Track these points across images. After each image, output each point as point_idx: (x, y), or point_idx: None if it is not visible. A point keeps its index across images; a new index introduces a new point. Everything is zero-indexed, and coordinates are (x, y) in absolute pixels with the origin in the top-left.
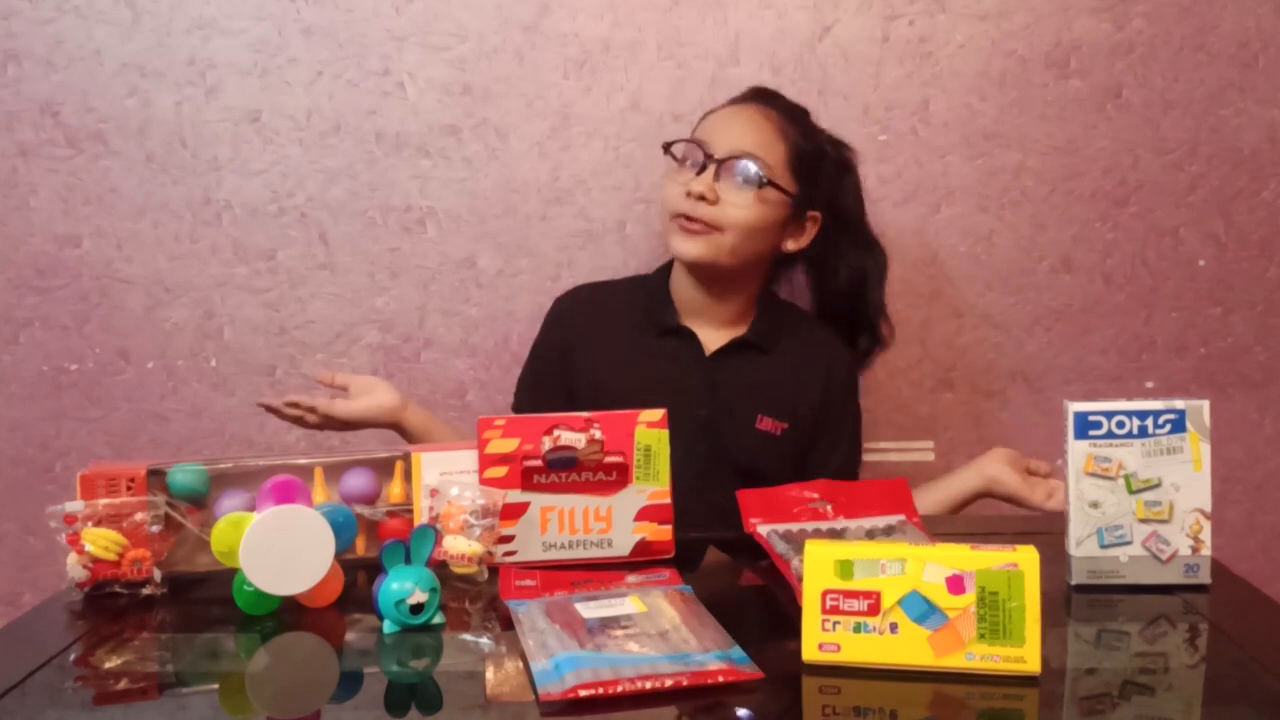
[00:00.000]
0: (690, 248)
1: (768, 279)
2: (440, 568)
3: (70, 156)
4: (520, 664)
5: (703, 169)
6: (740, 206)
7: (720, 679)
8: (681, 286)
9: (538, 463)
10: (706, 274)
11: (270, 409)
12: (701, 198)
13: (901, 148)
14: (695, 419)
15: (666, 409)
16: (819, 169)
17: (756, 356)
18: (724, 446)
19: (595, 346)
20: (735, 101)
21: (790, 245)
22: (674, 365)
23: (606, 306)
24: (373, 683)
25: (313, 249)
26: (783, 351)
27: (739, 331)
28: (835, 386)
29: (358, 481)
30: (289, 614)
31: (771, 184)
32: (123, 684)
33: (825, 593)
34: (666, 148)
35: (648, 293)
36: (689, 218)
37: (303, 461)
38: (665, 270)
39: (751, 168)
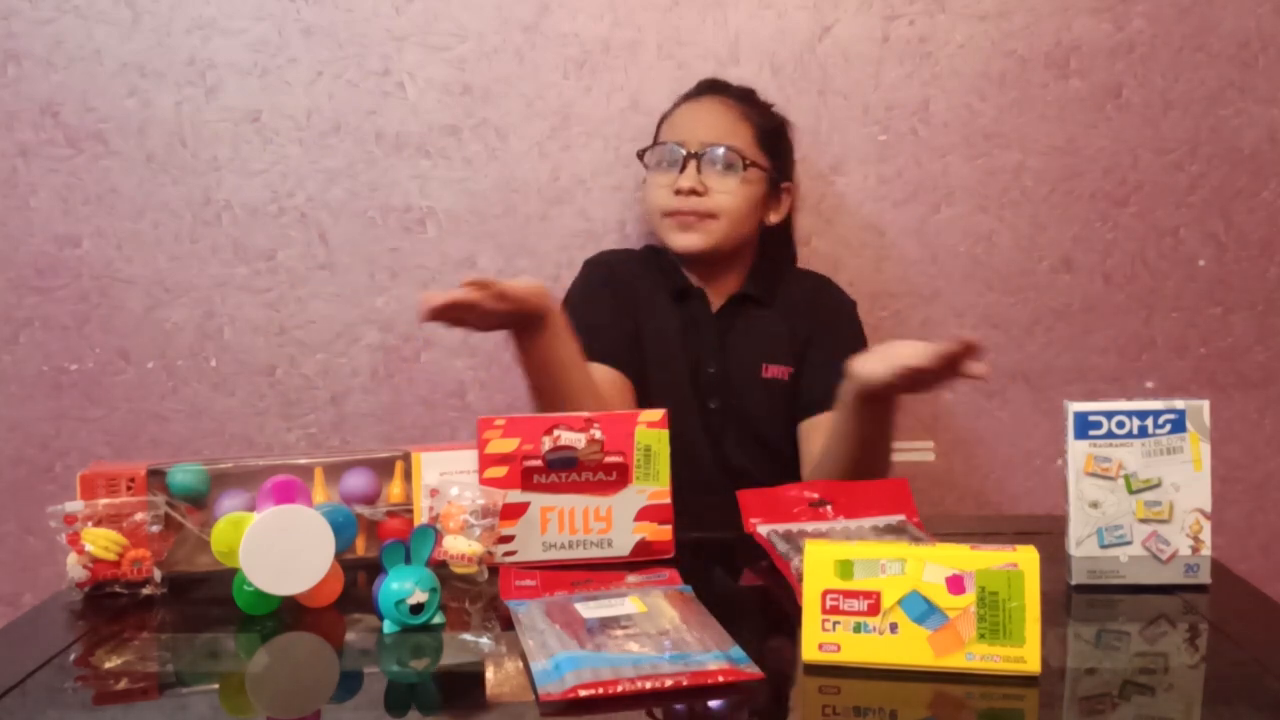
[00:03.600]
0: (688, 240)
1: (756, 251)
2: (440, 568)
3: (70, 156)
4: (520, 664)
5: (684, 166)
6: (727, 192)
7: (720, 679)
8: (683, 265)
9: (538, 463)
10: (704, 260)
11: (437, 309)
12: (692, 191)
13: (901, 148)
14: (706, 375)
15: (679, 376)
16: (782, 141)
17: (757, 309)
18: (734, 398)
19: (638, 303)
20: (688, 98)
21: (772, 218)
22: (688, 324)
23: (630, 270)
24: (373, 683)
25: (313, 249)
26: (780, 304)
27: (739, 286)
28: (821, 320)
29: (358, 481)
30: (289, 614)
31: (751, 164)
32: (123, 684)
33: (825, 593)
34: (640, 154)
35: (661, 260)
36: (681, 212)
37: (303, 461)
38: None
39: (731, 156)
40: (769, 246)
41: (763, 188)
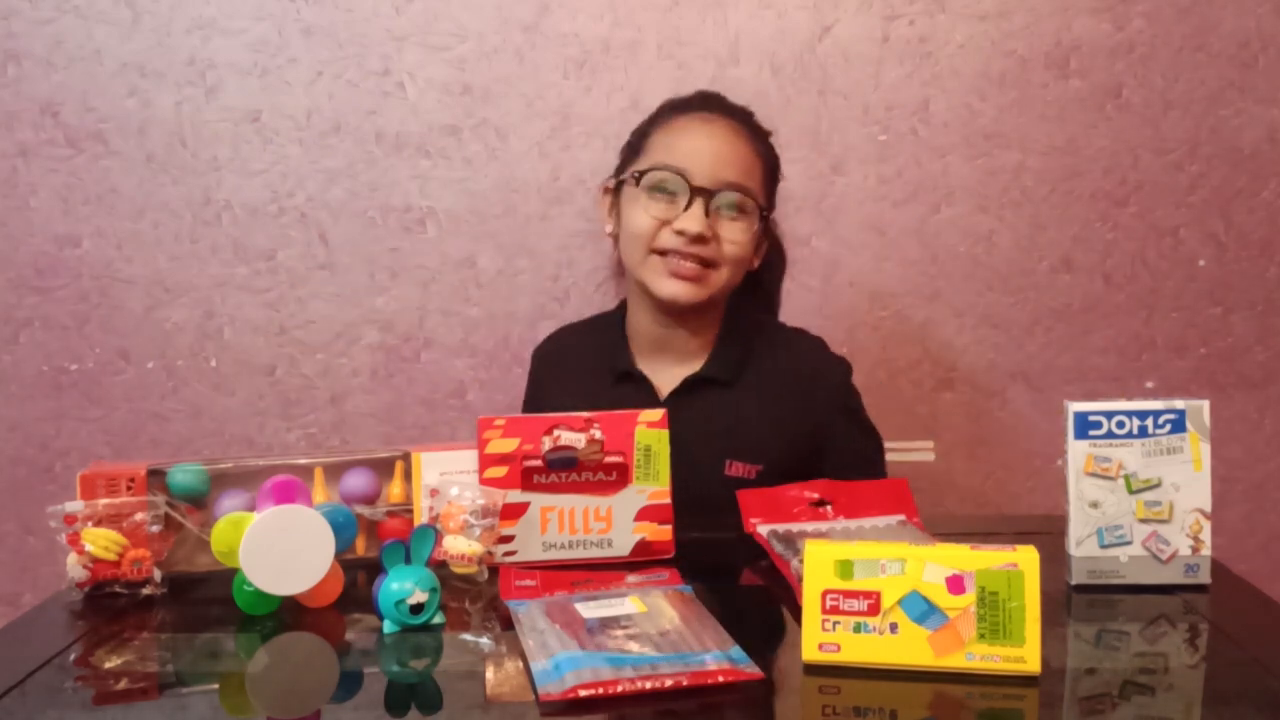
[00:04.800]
0: (683, 291)
1: (724, 314)
2: (440, 568)
3: (70, 156)
4: (520, 664)
5: (690, 203)
6: (736, 242)
7: (720, 679)
8: (641, 322)
9: (538, 463)
10: (686, 311)
11: None
12: (699, 238)
13: (901, 148)
14: None
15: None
16: (778, 176)
17: (718, 393)
18: (689, 497)
19: (559, 398)
20: (694, 113)
21: (756, 261)
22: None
23: (572, 354)
24: (373, 683)
25: (313, 249)
26: (748, 383)
27: (695, 366)
28: (821, 406)
29: (358, 481)
30: (289, 614)
31: (764, 215)
32: (123, 684)
33: (825, 593)
34: (638, 177)
35: (605, 336)
36: (681, 257)
37: (303, 461)
38: (623, 307)
39: (745, 202)
40: (738, 304)
41: (761, 230)
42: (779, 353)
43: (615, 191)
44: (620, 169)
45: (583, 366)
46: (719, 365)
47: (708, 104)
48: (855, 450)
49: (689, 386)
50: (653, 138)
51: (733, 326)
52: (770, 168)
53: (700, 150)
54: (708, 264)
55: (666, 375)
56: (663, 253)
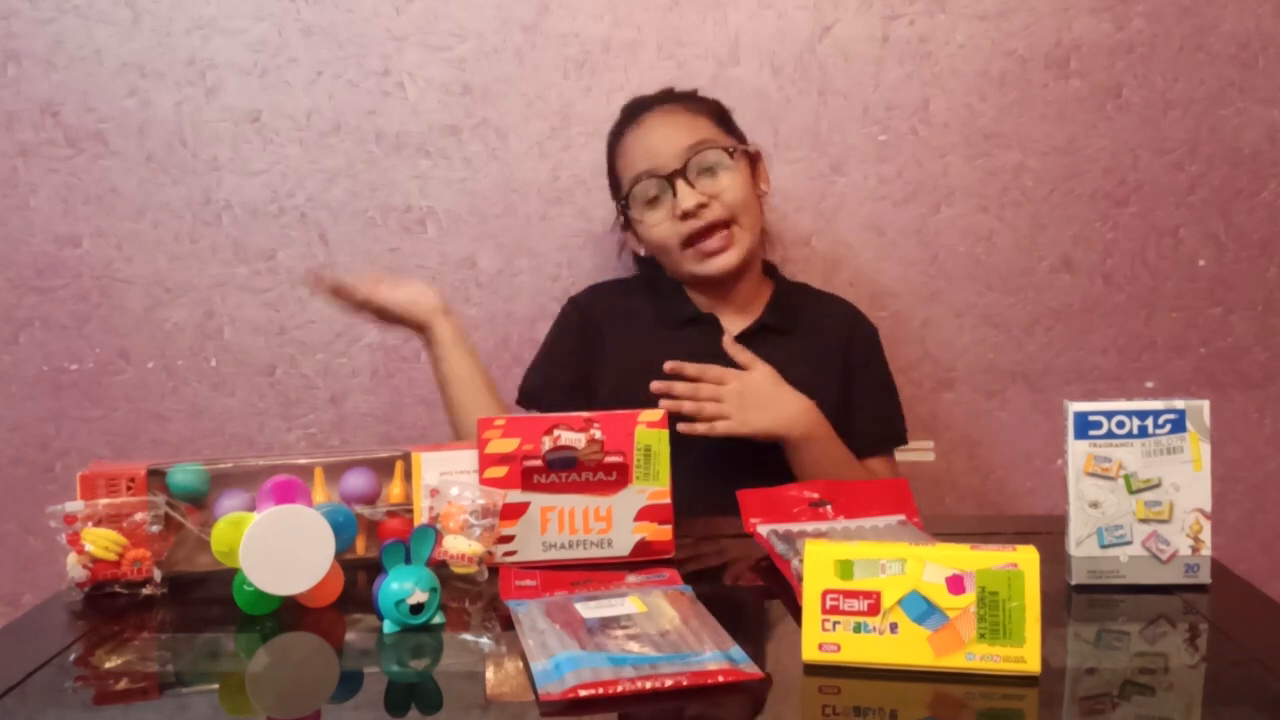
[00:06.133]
0: (722, 262)
1: (771, 273)
2: (440, 568)
3: (70, 156)
4: (520, 664)
5: (674, 189)
6: (731, 187)
7: (720, 679)
8: (691, 286)
9: (538, 463)
10: (731, 277)
11: (327, 288)
12: (700, 207)
13: (901, 148)
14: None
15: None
16: (729, 115)
17: (777, 339)
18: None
19: (620, 342)
20: (628, 127)
21: (764, 187)
22: (698, 355)
23: (624, 303)
24: (373, 683)
25: (313, 249)
26: (801, 331)
27: (757, 314)
28: (857, 353)
29: (358, 481)
30: (289, 614)
31: (733, 150)
32: (123, 684)
33: (825, 593)
34: (625, 206)
35: (660, 288)
36: (702, 235)
37: (303, 461)
38: (656, 268)
39: (713, 154)
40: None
41: (748, 163)
42: (823, 309)
43: (626, 224)
44: (617, 206)
45: (638, 316)
46: (778, 316)
47: (634, 111)
48: (880, 387)
49: (755, 331)
50: (618, 169)
51: (782, 284)
52: (715, 113)
53: (649, 146)
54: (724, 225)
55: (731, 320)
56: (689, 244)
